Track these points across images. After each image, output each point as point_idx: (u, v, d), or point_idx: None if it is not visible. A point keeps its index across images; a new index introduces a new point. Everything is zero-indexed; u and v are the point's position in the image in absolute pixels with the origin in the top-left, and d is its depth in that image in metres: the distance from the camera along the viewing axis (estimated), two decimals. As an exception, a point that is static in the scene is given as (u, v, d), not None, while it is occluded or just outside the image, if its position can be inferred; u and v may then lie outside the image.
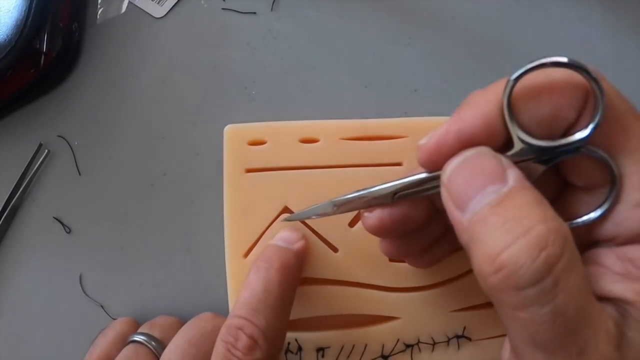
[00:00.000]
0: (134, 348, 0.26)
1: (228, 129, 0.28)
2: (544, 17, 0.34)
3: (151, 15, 0.33)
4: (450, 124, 0.18)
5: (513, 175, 0.17)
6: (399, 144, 0.29)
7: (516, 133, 0.18)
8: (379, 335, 0.27)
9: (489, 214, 0.16)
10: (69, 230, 0.31)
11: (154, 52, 0.32)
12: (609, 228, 0.18)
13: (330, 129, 0.29)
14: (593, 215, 0.18)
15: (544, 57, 0.18)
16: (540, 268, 0.15)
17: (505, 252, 0.15)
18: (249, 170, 0.28)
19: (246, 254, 0.27)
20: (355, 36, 0.33)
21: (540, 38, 0.34)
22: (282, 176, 0.28)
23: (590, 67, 0.17)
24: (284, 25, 0.33)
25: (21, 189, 0.31)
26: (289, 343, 0.27)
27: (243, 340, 0.22)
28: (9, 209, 0.30)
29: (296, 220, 0.26)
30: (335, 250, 0.27)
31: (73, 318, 0.30)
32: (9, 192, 0.30)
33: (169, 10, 0.33)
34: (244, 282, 0.24)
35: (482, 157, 0.17)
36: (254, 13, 0.33)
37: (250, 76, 0.32)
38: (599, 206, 0.18)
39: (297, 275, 0.25)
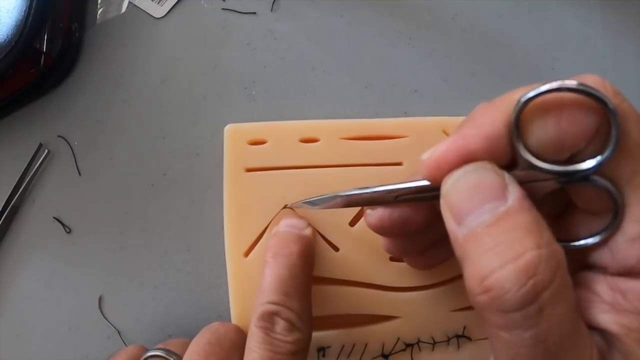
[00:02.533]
0: None
1: (228, 128, 0.28)
2: (544, 17, 0.34)
3: (151, 16, 0.33)
4: (453, 141, 0.18)
5: (513, 193, 0.17)
6: (399, 144, 0.29)
7: (521, 154, 0.17)
8: (380, 334, 0.27)
9: (483, 233, 0.16)
10: (69, 230, 0.31)
11: (154, 52, 0.32)
12: (604, 256, 0.18)
13: (330, 129, 0.29)
14: (590, 241, 0.18)
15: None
16: (525, 295, 0.15)
17: (493, 276, 0.15)
18: (249, 170, 0.28)
19: (246, 254, 0.27)
20: (355, 36, 0.33)
21: (540, 38, 0.34)
22: (282, 176, 0.28)
23: (610, 93, 0.17)
24: (284, 25, 0.33)
25: (21, 189, 0.31)
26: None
27: (281, 324, 0.22)
28: (9, 209, 0.30)
29: (300, 207, 0.26)
30: (336, 249, 0.27)
31: (73, 318, 0.30)
32: (9, 192, 0.30)
33: (169, 11, 0.33)
34: (264, 268, 0.23)
35: (483, 172, 0.17)
36: (254, 13, 0.33)
37: (250, 76, 0.32)
38: (598, 233, 0.18)
39: (313, 261, 0.25)
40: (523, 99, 0.17)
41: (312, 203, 0.25)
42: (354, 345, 0.27)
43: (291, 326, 0.22)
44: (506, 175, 0.17)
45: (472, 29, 0.34)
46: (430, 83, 0.33)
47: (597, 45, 0.34)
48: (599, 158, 0.17)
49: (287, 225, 0.26)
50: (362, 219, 0.28)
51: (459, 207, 0.17)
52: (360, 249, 0.27)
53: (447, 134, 0.29)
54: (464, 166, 0.18)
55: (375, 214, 0.22)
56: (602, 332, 0.17)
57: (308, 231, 0.26)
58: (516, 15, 0.34)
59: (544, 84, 0.17)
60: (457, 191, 0.17)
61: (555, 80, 0.17)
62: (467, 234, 0.17)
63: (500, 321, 0.16)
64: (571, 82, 0.17)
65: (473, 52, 0.33)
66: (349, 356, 0.27)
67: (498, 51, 0.33)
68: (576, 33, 0.34)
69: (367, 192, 0.22)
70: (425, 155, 0.19)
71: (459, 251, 0.17)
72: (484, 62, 0.33)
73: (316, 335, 0.27)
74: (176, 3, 0.33)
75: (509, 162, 0.18)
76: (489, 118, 0.18)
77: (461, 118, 0.30)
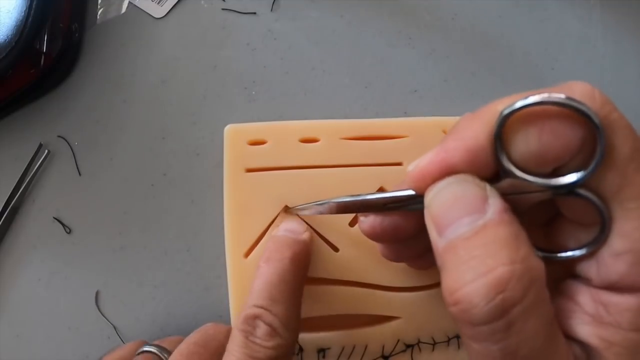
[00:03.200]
0: (144, 357, 0.26)
1: (228, 128, 0.28)
2: (544, 17, 0.34)
3: (151, 16, 0.33)
4: (436, 154, 0.18)
5: (493, 206, 0.17)
6: (399, 144, 0.29)
7: (505, 166, 0.17)
8: (380, 335, 0.27)
9: (460, 245, 0.16)
10: (69, 231, 0.31)
11: (154, 52, 0.32)
12: (590, 268, 0.18)
13: (330, 129, 0.29)
14: (577, 253, 0.18)
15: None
16: (493, 310, 0.15)
17: (463, 289, 0.15)
18: (249, 170, 0.28)
19: (247, 254, 0.27)
20: (355, 36, 0.33)
21: (540, 38, 0.34)
22: (282, 176, 0.28)
23: (599, 103, 0.16)
24: (284, 26, 0.33)
25: (21, 189, 0.31)
26: (289, 343, 0.27)
27: (262, 329, 0.22)
28: (9, 209, 0.30)
29: (296, 213, 0.26)
30: (335, 249, 0.27)
31: (73, 318, 0.30)
32: (9, 193, 0.30)
33: (169, 11, 0.33)
34: (256, 273, 0.24)
35: (465, 185, 0.17)
36: (254, 13, 0.33)
37: (250, 76, 0.32)
38: (585, 245, 0.18)
39: (307, 266, 0.25)
40: (505, 112, 0.17)
41: (305, 209, 0.25)
42: (354, 347, 0.27)
43: (272, 331, 0.22)
44: (488, 187, 0.17)
45: (472, 29, 0.34)
46: (430, 83, 0.33)
47: (597, 45, 0.34)
48: (581, 172, 0.17)
49: (285, 229, 0.26)
50: (362, 219, 0.28)
51: (440, 219, 0.17)
52: (360, 249, 0.27)
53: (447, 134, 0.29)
54: (447, 178, 0.18)
55: (367, 221, 0.22)
56: (582, 344, 0.17)
57: (305, 235, 0.26)
58: (516, 15, 0.34)
59: (528, 96, 0.17)
60: (438, 203, 0.18)
61: (555, 82, 0.17)
62: (446, 245, 0.17)
63: (470, 332, 0.16)
64: (557, 95, 0.16)
65: (473, 52, 0.33)
66: (349, 357, 0.27)
67: (498, 51, 0.33)
68: (576, 33, 0.34)
69: (358, 200, 0.22)
70: (411, 167, 0.19)
71: (438, 261, 0.17)
72: (484, 62, 0.33)
73: (316, 336, 0.27)
74: (176, 3, 0.33)
75: (493, 174, 0.18)
76: (472, 130, 0.18)
77: (461, 118, 0.30)
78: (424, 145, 0.29)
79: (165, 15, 0.33)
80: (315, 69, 0.32)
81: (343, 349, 0.27)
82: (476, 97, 0.33)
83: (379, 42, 0.33)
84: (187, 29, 0.33)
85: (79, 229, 0.31)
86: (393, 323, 0.27)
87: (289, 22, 0.33)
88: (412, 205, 0.20)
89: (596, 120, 0.16)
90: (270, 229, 0.27)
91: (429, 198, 0.18)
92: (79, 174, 0.31)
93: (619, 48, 0.34)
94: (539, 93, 0.16)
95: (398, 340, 0.27)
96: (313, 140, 0.28)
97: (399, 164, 0.29)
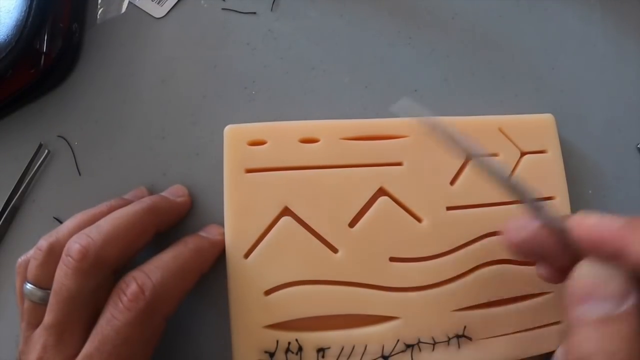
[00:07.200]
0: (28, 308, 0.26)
1: (228, 129, 0.28)
2: (544, 17, 0.34)
3: (151, 16, 0.33)
4: (618, 235, 0.19)
5: (632, 300, 0.18)
6: (399, 144, 0.29)
7: None
8: (379, 335, 0.27)
9: (592, 324, 0.18)
10: (69, 231, 0.31)
11: (154, 52, 0.32)
12: None
13: (330, 129, 0.29)
14: None
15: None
16: None
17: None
18: (249, 171, 0.28)
19: (246, 255, 0.27)
20: (355, 36, 0.33)
21: (540, 38, 0.34)
22: (282, 176, 0.28)
23: None
24: (284, 25, 0.33)
25: (21, 189, 0.31)
26: (289, 343, 0.27)
27: (133, 288, 0.24)
28: (9, 209, 0.30)
29: (431, 124, 0.24)
30: (335, 250, 0.27)
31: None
32: (9, 192, 0.30)
33: (169, 11, 0.33)
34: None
35: (616, 272, 0.19)
36: (254, 13, 0.33)
37: (250, 76, 0.32)
38: None
39: (208, 261, 0.27)
40: None
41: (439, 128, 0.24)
42: (353, 347, 0.27)
43: (140, 292, 0.23)
44: (633, 282, 0.18)
45: (472, 29, 0.34)
46: (430, 83, 0.33)
47: (597, 45, 0.34)
48: None
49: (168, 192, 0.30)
50: (362, 220, 0.28)
51: (585, 292, 0.19)
52: (360, 250, 0.27)
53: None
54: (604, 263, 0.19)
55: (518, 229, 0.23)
56: None
57: (180, 200, 0.29)
58: (516, 15, 0.34)
59: None
60: (588, 276, 0.19)
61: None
62: (579, 317, 0.18)
63: None
64: None
65: (473, 52, 0.33)
66: (348, 357, 0.27)
67: (498, 51, 0.33)
68: (576, 33, 0.34)
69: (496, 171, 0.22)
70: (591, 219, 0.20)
71: (568, 321, 0.19)
72: (484, 62, 0.33)
73: (316, 335, 0.27)
74: (176, 3, 0.33)
75: None
76: None
77: (461, 118, 0.30)
78: (424, 145, 0.29)
79: (165, 15, 0.33)
80: (315, 69, 0.32)
81: (343, 348, 0.27)
82: (476, 97, 0.33)
83: (379, 42, 0.33)
84: (187, 28, 0.33)
85: (79, 229, 0.31)
86: (393, 323, 0.27)
87: (289, 22, 0.33)
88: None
89: None
90: (270, 231, 0.27)
91: (583, 267, 0.19)
92: (79, 174, 0.31)
93: (619, 48, 0.34)
94: None
95: (398, 340, 0.27)
96: (313, 141, 0.28)
97: (399, 164, 0.29)
